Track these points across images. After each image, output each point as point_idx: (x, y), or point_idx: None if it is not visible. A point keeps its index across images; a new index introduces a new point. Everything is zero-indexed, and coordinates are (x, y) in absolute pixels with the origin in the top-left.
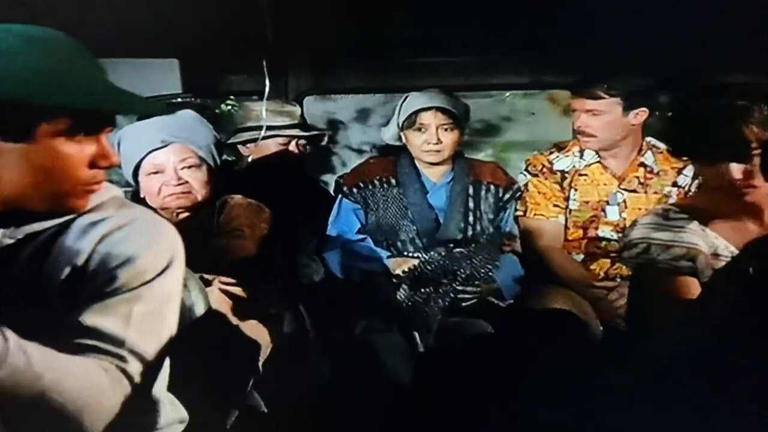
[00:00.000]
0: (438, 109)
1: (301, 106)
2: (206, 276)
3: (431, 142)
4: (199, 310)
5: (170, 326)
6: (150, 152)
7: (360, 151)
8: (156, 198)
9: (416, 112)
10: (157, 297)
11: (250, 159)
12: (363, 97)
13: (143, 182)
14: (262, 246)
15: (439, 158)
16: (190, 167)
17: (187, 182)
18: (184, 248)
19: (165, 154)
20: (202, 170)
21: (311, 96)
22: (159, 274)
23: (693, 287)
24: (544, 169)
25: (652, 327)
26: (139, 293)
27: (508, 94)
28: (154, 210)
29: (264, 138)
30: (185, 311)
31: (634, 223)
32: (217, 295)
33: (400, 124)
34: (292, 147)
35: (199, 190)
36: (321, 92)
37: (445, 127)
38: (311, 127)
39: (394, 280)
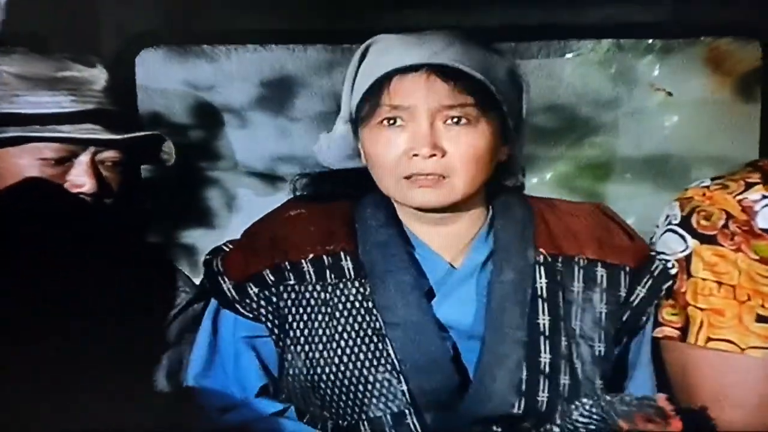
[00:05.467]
0: (433, 69)
1: (125, 68)
2: None
3: (417, 149)
4: None
5: None
6: None
7: (272, 180)
8: None
9: (386, 79)
10: None
11: None
12: (280, 54)
13: None
14: None
15: (442, 195)
16: None
17: None
18: None
19: None
20: None
21: (157, 48)
22: None
23: None
24: (732, 226)
25: None
26: None
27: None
28: None
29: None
30: None
31: None
32: None
33: (355, 112)
34: (81, 167)
35: None
36: (182, 40)
37: (454, 116)
38: (130, 119)
39: None
